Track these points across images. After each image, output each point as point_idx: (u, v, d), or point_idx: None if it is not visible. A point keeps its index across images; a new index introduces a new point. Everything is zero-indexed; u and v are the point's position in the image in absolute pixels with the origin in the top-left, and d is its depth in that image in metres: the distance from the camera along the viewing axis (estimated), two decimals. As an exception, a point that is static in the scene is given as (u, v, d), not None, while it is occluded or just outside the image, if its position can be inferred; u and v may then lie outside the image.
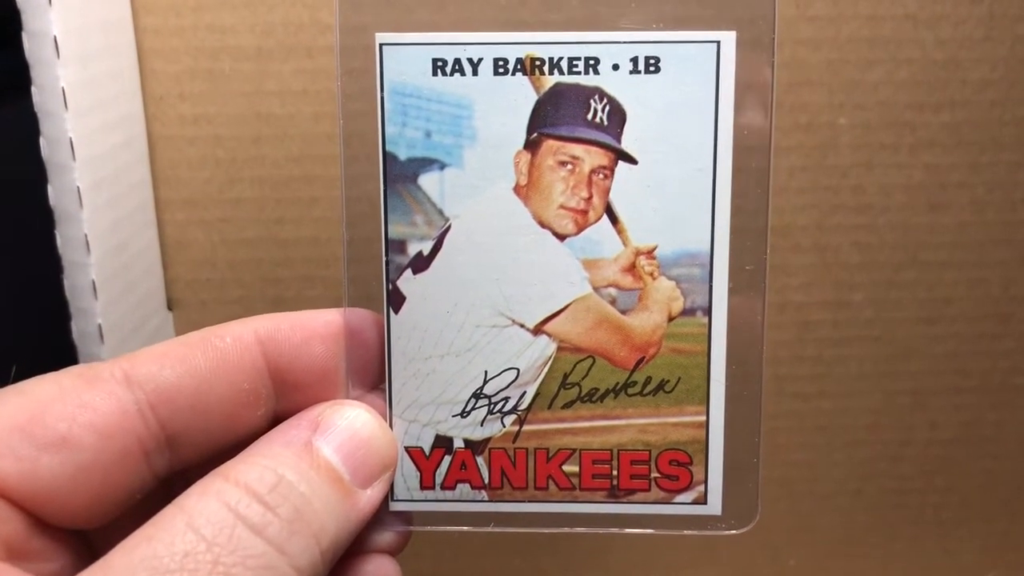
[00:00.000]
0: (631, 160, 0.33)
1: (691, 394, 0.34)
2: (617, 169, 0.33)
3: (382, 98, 0.33)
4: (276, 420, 0.33)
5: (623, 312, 0.34)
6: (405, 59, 0.33)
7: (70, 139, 0.41)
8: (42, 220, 0.43)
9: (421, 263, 0.34)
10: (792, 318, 0.54)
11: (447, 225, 0.33)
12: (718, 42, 0.32)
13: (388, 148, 0.33)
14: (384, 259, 0.34)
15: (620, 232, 0.33)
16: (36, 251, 0.44)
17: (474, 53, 0.33)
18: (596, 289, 0.34)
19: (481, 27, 0.33)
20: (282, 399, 0.34)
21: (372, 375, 0.34)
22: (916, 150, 0.51)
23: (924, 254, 0.53)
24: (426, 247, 0.33)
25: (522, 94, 0.33)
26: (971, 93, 0.51)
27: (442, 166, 0.33)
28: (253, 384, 0.33)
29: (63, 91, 0.41)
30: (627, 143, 0.33)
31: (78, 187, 0.42)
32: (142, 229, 0.49)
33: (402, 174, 0.33)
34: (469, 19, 0.33)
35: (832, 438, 0.56)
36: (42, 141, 0.42)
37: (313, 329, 0.34)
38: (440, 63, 0.33)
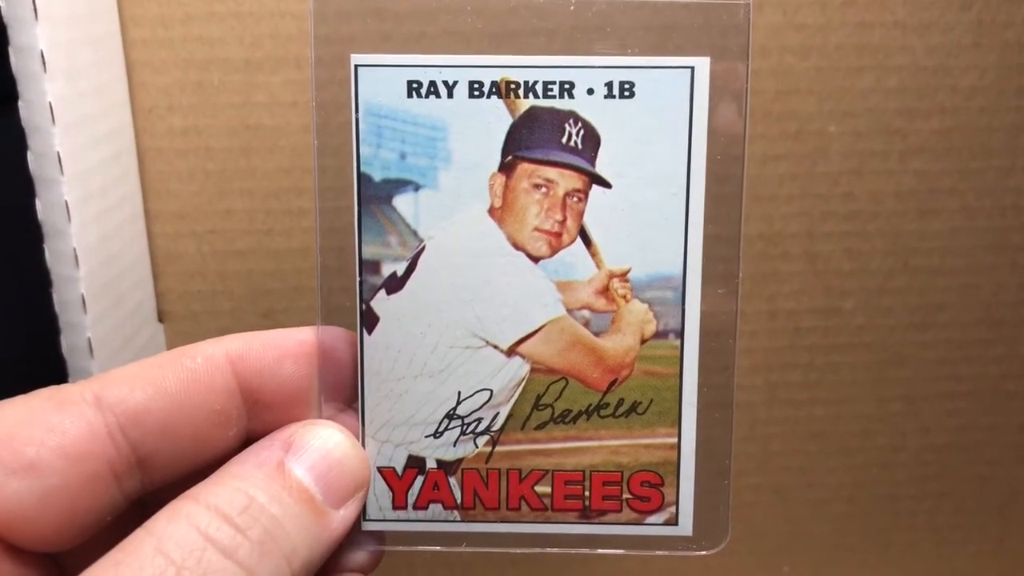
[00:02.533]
0: (605, 184, 0.33)
1: (663, 416, 0.34)
2: (591, 192, 0.33)
3: (357, 119, 0.33)
4: (248, 440, 0.33)
5: (596, 334, 0.34)
6: (380, 81, 0.33)
7: (57, 153, 0.42)
8: (31, 234, 0.43)
9: (395, 284, 0.34)
10: (783, 325, 0.54)
11: (421, 246, 0.33)
12: (692, 68, 0.32)
13: (363, 169, 0.33)
14: (358, 279, 0.34)
15: (594, 255, 0.33)
16: (25, 266, 0.45)
17: (449, 76, 0.33)
18: (570, 311, 0.34)
19: (457, 50, 0.33)
20: (254, 419, 0.34)
21: (345, 395, 0.34)
22: (906, 157, 0.51)
23: (915, 260, 0.53)
24: (400, 268, 0.34)
25: (497, 117, 0.33)
26: (961, 100, 0.51)
27: (417, 188, 0.33)
28: (224, 404, 0.33)
29: (50, 105, 0.41)
30: (601, 167, 0.33)
31: (66, 201, 0.42)
32: (132, 242, 0.49)
33: (376, 195, 0.33)
34: (448, 33, 0.33)
35: (825, 445, 0.56)
36: (30, 156, 0.42)
37: (285, 348, 0.34)
38: (415, 85, 0.33)
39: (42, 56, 0.40)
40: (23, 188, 0.42)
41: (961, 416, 0.56)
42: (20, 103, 0.41)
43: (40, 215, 0.43)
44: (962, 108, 0.51)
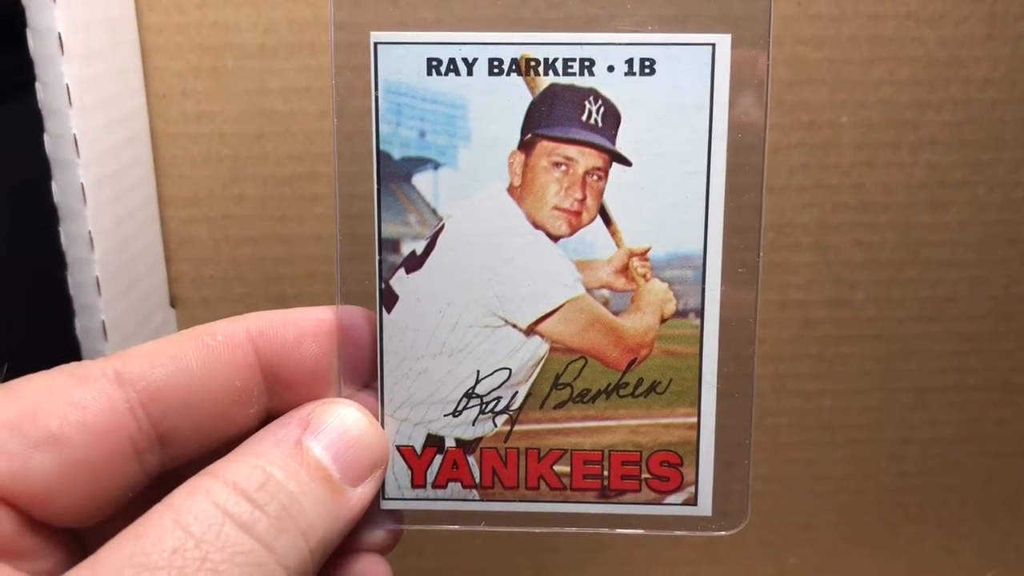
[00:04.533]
0: (625, 162, 0.33)
1: (682, 396, 0.34)
2: (611, 171, 0.33)
3: (376, 97, 0.33)
4: (268, 418, 0.33)
5: (616, 313, 0.34)
6: (400, 58, 0.33)
7: (74, 136, 0.42)
8: (46, 217, 0.43)
9: (414, 262, 0.34)
10: (793, 316, 0.54)
11: (441, 225, 0.33)
12: (713, 44, 0.32)
13: (382, 147, 0.33)
14: (377, 258, 0.34)
15: (613, 233, 0.33)
16: (40, 248, 0.45)
17: (469, 53, 0.33)
18: (589, 290, 0.34)
19: (476, 27, 0.33)
20: (274, 397, 0.34)
21: (364, 373, 0.35)
22: (917, 149, 0.51)
23: (925, 252, 0.53)
24: (419, 247, 0.34)
25: (517, 95, 0.33)
26: (973, 92, 0.51)
27: (436, 166, 0.33)
28: (245, 382, 0.33)
29: (67, 88, 0.41)
30: (621, 145, 0.33)
31: (82, 184, 0.42)
32: (145, 226, 0.49)
33: (396, 173, 0.33)
34: (464, 19, 0.33)
35: (833, 436, 0.56)
36: (46, 138, 0.42)
37: (305, 327, 0.34)
38: (435, 63, 0.33)
39: (60, 39, 0.41)
40: (39, 170, 0.42)
41: (969, 409, 0.56)
42: (37, 85, 0.41)
43: (56, 197, 0.43)
44: (974, 100, 0.51)
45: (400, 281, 0.34)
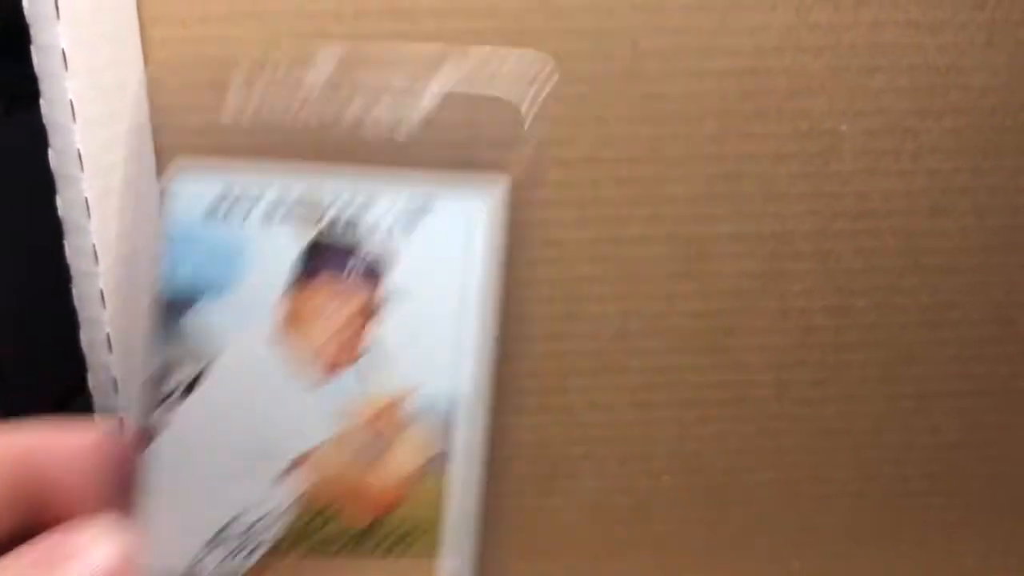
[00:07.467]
0: (391, 306, 0.33)
1: (429, 547, 0.33)
2: (379, 313, 0.33)
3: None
4: (24, 536, 0.32)
5: (370, 461, 0.33)
6: (184, 198, 0.33)
7: (78, 150, 0.42)
8: (51, 230, 0.43)
9: (179, 397, 0.33)
10: (795, 323, 0.54)
11: (207, 362, 0.33)
12: (488, 187, 0.33)
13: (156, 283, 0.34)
14: (146, 389, 0.34)
15: (375, 376, 0.33)
16: (45, 261, 0.45)
17: (246, 197, 0.33)
18: (347, 435, 0.33)
19: (253, 170, 0.33)
20: (29, 515, 0.33)
21: (123, 502, 0.33)
22: (918, 156, 0.52)
23: (926, 259, 0.53)
24: (185, 382, 0.33)
25: (289, 239, 0.33)
26: (973, 99, 0.51)
27: (206, 304, 0.33)
28: None
29: (71, 103, 0.42)
30: (391, 287, 0.33)
31: (86, 198, 0.43)
32: (150, 239, 0.49)
33: (167, 308, 0.34)
34: (250, 158, 0.34)
35: (835, 442, 0.56)
36: (51, 152, 0.42)
37: (67, 445, 0.33)
38: (212, 205, 0.33)
39: (63, 54, 0.41)
40: (44, 184, 0.43)
41: (972, 414, 0.56)
42: (42, 101, 0.42)
43: (60, 211, 0.43)
44: (974, 107, 0.51)
45: (165, 414, 0.33)
